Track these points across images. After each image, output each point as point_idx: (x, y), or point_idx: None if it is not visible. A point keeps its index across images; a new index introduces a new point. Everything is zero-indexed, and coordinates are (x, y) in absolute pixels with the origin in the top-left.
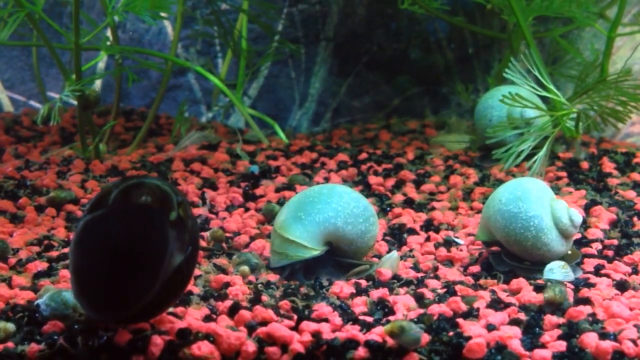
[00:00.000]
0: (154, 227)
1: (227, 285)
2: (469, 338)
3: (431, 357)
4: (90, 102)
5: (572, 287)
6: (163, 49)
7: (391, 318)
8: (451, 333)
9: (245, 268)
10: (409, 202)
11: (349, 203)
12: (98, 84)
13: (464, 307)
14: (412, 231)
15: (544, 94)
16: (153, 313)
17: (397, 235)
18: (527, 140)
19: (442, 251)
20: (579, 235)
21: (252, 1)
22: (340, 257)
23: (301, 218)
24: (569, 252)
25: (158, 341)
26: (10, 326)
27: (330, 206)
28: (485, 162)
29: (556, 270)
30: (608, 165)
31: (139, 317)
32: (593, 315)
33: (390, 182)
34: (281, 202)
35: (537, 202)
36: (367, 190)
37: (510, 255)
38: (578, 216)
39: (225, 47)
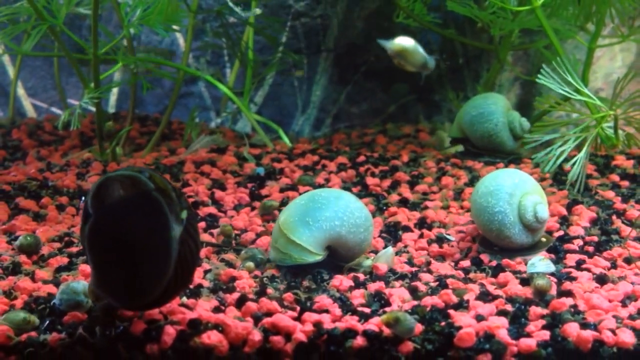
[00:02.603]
0: (152, 214)
1: (235, 279)
2: (459, 328)
3: (424, 345)
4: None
5: (555, 279)
6: (175, 59)
7: (387, 309)
8: (443, 323)
9: (251, 264)
10: (403, 202)
11: (353, 212)
12: (115, 91)
13: (455, 299)
14: (406, 228)
15: (579, 97)
16: (173, 292)
17: (392, 232)
18: (568, 142)
19: (435, 247)
20: (561, 233)
21: (258, 15)
22: (336, 259)
23: (308, 223)
24: (543, 239)
25: (170, 331)
26: (35, 319)
27: (337, 214)
28: (467, 158)
29: (537, 264)
30: (589, 167)
31: (164, 299)
32: (575, 306)
33: (386, 183)
34: (284, 202)
35: (504, 199)
36: (365, 191)
37: (485, 240)
38: (543, 213)
39: (233, 57)
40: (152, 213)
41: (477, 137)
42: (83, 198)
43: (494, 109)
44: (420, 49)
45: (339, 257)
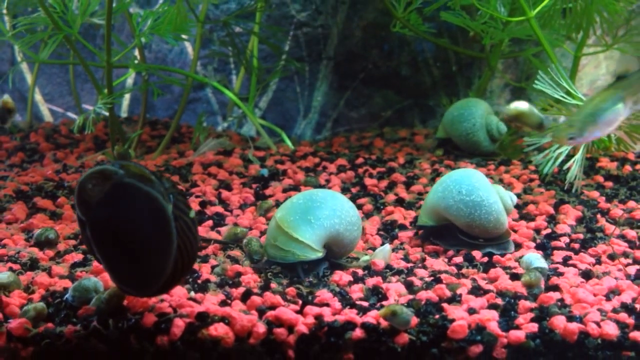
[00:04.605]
0: (139, 198)
1: (240, 274)
2: (452, 320)
3: (419, 337)
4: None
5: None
6: (184, 66)
7: (384, 303)
8: (437, 316)
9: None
10: (400, 201)
11: (349, 212)
12: (127, 97)
13: (448, 293)
14: (402, 227)
15: (573, 101)
16: (182, 270)
17: (389, 230)
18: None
19: (429, 244)
20: (549, 231)
21: (262, 25)
22: (330, 257)
23: (310, 221)
24: None
25: (179, 323)
26: (41, 306)
27: (335, 213)
28: (460, 159)
29: (534, 260)
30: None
31: (175, 278)
32: (561, 300)
33: (384, 183)
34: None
35: (492, 190)
36: (363, 191)
37: (466, 236)
38: (514, 196)
39: (238, 65)
40: (138, 197)
41: (456, 135)
42: None
43: (473, 111)
44: (536, 111)
45: (331, 254)
